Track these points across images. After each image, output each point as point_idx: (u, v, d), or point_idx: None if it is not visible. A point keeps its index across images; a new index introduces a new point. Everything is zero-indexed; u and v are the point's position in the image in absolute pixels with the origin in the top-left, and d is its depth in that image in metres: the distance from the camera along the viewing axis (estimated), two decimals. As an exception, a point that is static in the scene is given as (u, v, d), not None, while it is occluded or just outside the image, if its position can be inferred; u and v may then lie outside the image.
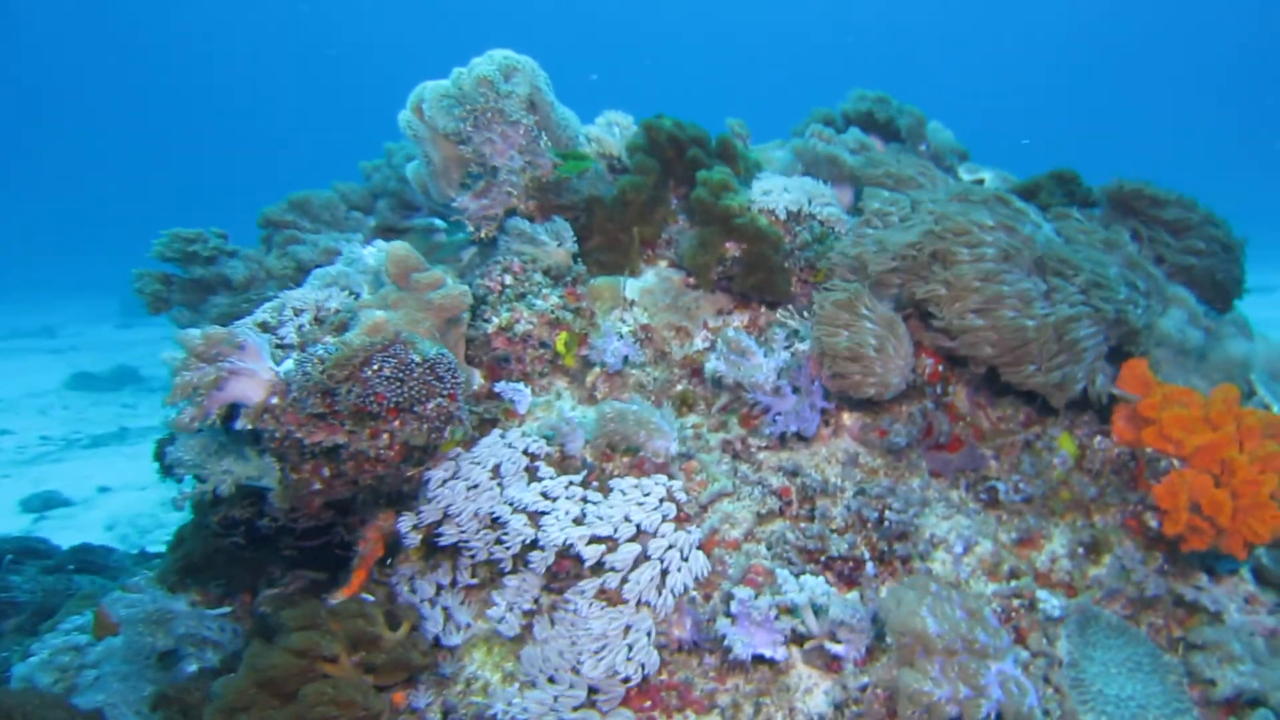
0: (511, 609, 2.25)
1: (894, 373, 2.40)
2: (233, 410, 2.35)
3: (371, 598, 2.40)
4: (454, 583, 2.39)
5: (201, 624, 2.78)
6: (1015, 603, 2.23)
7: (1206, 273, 2.93)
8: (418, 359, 2.19)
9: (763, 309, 2.88)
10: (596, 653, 2.07)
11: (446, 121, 2.98)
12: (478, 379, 2.58)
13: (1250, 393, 2.68)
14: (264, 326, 2.82)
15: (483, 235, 3.05)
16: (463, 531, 2.28)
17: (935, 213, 2.50)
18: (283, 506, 2.53)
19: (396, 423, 2.23)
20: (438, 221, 3.86)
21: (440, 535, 2.35)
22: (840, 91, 4.45)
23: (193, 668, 2.68)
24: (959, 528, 2.33)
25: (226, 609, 2.90)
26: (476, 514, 2.28)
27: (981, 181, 3.77)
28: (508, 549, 2.25)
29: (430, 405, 2.21)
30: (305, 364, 2.21)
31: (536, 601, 2.25)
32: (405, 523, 2.40)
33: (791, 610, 1.98)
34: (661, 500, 2.23)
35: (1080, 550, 2.35)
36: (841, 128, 4.15)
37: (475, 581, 2.36)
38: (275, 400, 2.31)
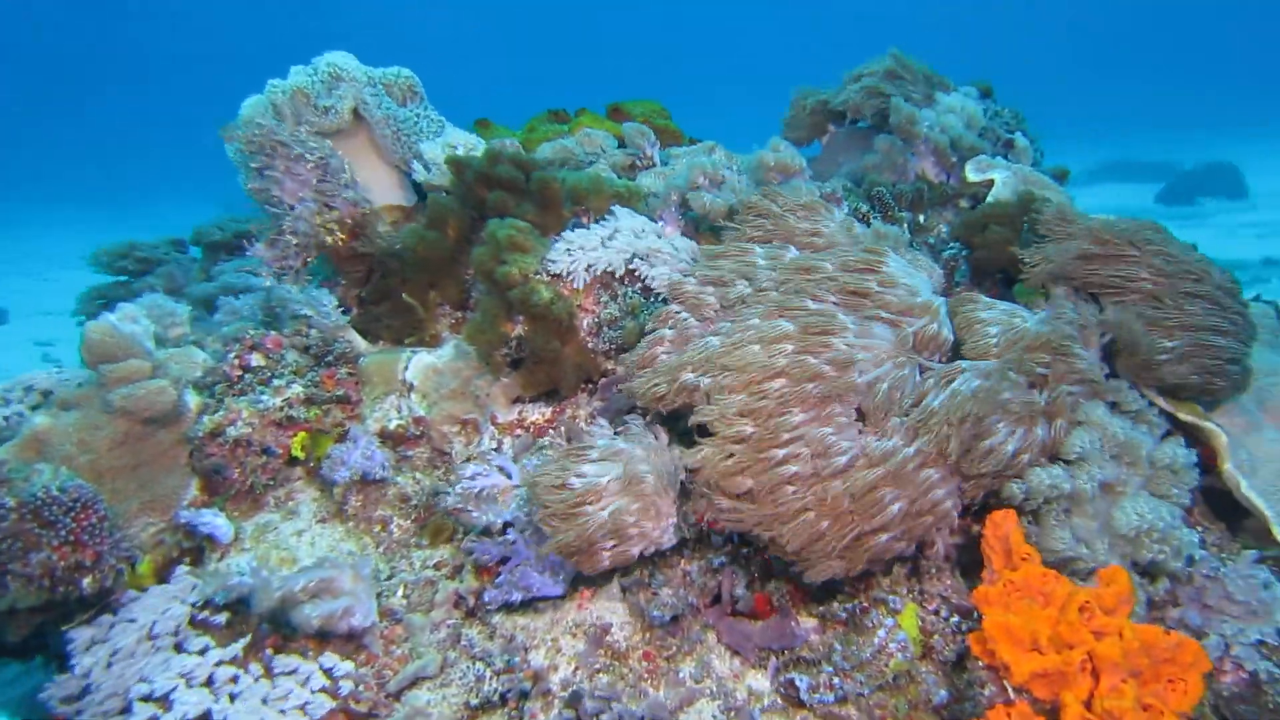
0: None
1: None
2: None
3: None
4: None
5: None
6: None
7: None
8: (11, 503, 1.76)
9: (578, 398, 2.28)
10: None
11: (233, 154, 2.54)
12: (192, 491, 2.14)
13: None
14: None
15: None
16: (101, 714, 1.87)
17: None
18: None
19: (8, 577, 1.82)
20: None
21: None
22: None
23: None
24: (731, 743, 1.71)
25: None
26: (116, 693, 1.86)
27: (990, 184, 2.92)
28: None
29: (35, 561, 1.78)
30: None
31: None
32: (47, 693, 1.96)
33: None
34: (315, 693, 1.73)
35: (905, 786, 1.68)
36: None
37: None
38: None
